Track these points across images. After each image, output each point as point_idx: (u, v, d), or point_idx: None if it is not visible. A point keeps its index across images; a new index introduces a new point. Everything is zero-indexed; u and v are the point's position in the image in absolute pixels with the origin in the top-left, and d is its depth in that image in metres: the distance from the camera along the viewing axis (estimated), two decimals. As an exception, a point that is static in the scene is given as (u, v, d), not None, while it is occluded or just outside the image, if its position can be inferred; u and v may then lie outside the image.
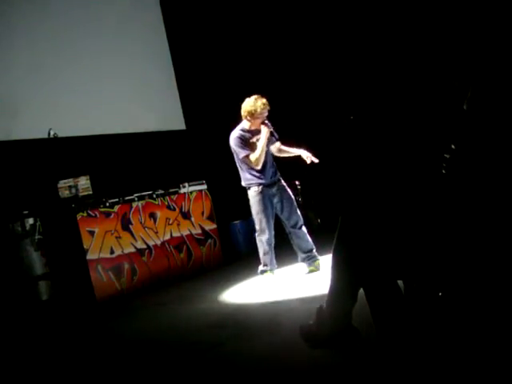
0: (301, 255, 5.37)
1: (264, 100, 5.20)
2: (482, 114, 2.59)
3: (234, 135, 5.28)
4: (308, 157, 5.33)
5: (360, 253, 2.81)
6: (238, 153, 5.24)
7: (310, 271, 5.33)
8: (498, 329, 2.48)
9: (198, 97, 8.49)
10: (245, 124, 5.29)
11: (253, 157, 5.18)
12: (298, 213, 5.38)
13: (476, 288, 2.55)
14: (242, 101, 5.29)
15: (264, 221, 5.24)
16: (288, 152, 5.51)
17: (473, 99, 2.61)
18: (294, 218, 5.34)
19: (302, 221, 5.39)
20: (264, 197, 5.25)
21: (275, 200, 5.30)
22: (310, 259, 5.34)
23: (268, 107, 5.22)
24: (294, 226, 5.34)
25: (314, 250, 5.37)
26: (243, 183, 5.36)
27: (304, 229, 5.38)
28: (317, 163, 5.33)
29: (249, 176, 5.28)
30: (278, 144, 5.46)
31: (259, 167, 5.20)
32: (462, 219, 2.58)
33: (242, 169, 5.32)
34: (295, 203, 5.43)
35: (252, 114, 5.19)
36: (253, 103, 5.18)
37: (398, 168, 2.75)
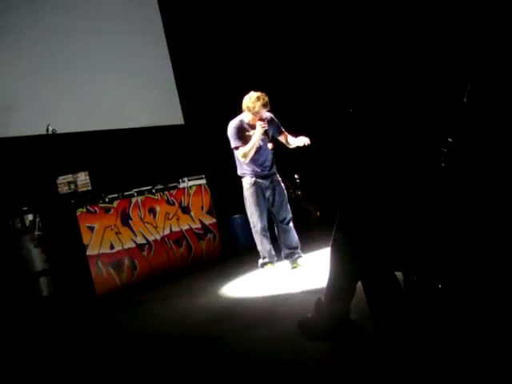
0: (285, 251, 5.38)
1: (265, 100, 5.15)
2: (482, 107, 2.58)
3: (232, 124, 5.30)
4: (303, 142, 5.26)
5: (359, 245, 2.81)
6: (230, 142, 5.28)
7: (293, 268, 5.35)
8: (498, 321, 2.48)
9: (196, 91, 8.48)
10: (245, 116, 5.29)
11: (242, 150, 5.20)
12: (288, 208, 5.39)
13: (475, 280, 2.55)
14: (241, 95, 5.28)
15: (257, 213, 5.27)
16: (293, 143, 5.42)
17: (473, 92, 2.61)
18: (283, 213, 5.35)
19: (290, 217, 5.39)
20: (257, 189, 5.27)
21: (268, 193, 5.32)
22: (294, 256, 5.35)
23: (267, 108, 5.20)
24: (283, 221, 5.36)
25: (299, 248, 5.38)
26: (238, 172, 5.39)
27: (291, 225, 5.38)
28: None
29: (244, 166, 5.31)
30: (283, 136, 5.42)
31: (246, 161, 5.22)
32: (460, 212, 2.58)
33: (237, 158, 5.34)
34: (287, 198, 5.44)
35: (250, 110, 5.20)
36: (253, 101, 5.15)
37: (397, 161, 2.75)
